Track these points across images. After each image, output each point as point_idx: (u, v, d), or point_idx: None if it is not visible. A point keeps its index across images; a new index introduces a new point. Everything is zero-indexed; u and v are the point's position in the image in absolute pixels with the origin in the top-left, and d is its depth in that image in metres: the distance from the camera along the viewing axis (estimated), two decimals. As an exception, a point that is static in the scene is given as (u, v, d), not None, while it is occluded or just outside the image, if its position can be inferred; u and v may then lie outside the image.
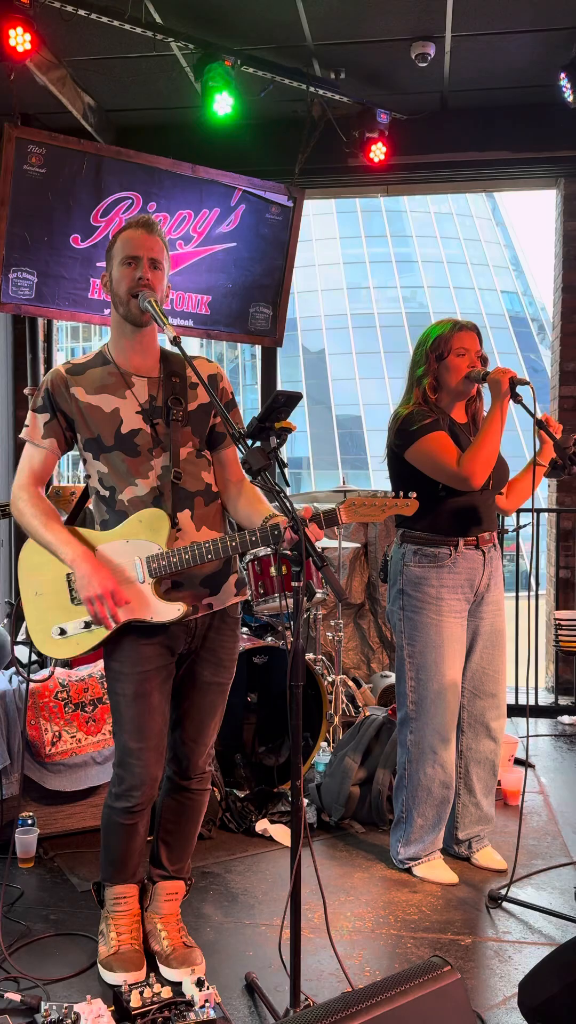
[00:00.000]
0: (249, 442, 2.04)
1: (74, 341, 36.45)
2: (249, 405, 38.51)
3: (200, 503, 2.29)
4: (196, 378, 2.33)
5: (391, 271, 40.11)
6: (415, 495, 2.22)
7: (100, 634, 2.22)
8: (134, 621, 2.20)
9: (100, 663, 3.31)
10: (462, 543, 2.81)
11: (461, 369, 2.79)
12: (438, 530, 2.82)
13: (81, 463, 2.33)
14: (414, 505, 2.21)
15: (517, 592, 4.86)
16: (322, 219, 39.25)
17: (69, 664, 3.55)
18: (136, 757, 2.26)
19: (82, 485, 2.83)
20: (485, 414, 2.81)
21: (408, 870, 2.91)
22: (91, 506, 2.35)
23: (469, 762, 2.98)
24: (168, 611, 2.20)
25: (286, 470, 2.10)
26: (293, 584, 1.96)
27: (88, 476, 2.31)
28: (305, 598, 3.32)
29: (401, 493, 2.22)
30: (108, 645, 2.28)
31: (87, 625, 2.22)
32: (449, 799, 2.89)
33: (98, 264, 4.33)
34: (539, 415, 2.71)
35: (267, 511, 2.24)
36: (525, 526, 4.88)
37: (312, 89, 4.45)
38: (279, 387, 5.46)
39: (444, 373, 2.81)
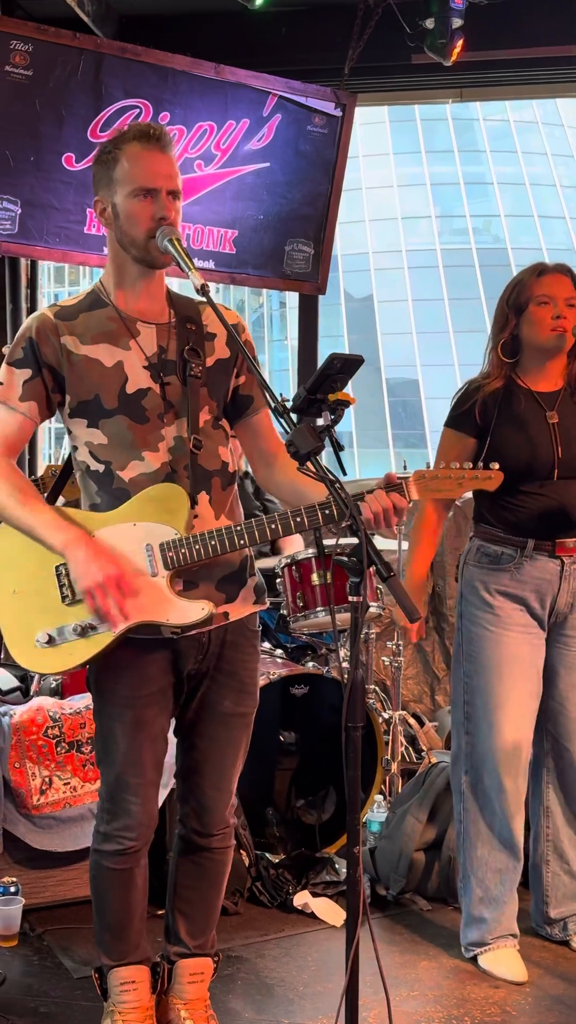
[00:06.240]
0: (295, 419, 2.05)
1: (58, 285, 36.63)
2: (277, 366, 38.53)
3: (217, 485, 2.31)
4: (214, 326, 2.34)
5: (459, 196, 39.80)
6: (497, 466, 2.22)
7: (100, 641, 2.20)
8: (144, 624, 2.19)
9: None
10: (531, 546, 2.82)
11: (544, 321, 2.80)
12: (507, 526, 2.84)
13: (65, 433, 2.32)
14: (498, 478, 2.22)
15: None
16: (371, 130, 38.98)
17: (60, 692, 3.58)
18: (134, 793, 2.30)
19: (59, 464, 2.83)
20: None
21: (474, 959, 2.91)
22: (79, 484, 2.34)
23: (559, 823, 2.98)
24: (190, 611, 2.19)
25: (342, 453, 2.10)
26: (351, 599, 1.95)
27: (75, 448, 2.31)
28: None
29: (481, 464, 2.22)
30: (99, 659, 2.28)
31: (83, 631, 2.21)
32: (513, 866, 2.90)
33: (97, 190, 4.35)
34: None
35: (323, 493, 2.19)
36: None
37: (367, -34, 4.42)
38: (319, 343, 5.45)
39: (525, 328, 2.84)
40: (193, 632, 2.25)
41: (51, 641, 2.24)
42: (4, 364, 2.29)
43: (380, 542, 4.25)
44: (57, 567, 2.24)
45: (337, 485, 2.01)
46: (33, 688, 3.26)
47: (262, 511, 3.91)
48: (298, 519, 2.15)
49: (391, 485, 2.15)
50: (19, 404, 2.26)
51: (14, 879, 3.01)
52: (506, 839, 2.88)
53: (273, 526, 2.15)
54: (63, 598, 2.23)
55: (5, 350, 3.93)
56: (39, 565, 2.26)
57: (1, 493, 2.22)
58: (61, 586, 2.24)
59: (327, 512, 2.13)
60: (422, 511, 2.95)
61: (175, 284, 2.47)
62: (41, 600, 2.26)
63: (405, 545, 4.22)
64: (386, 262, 38.79)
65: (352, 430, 36.74)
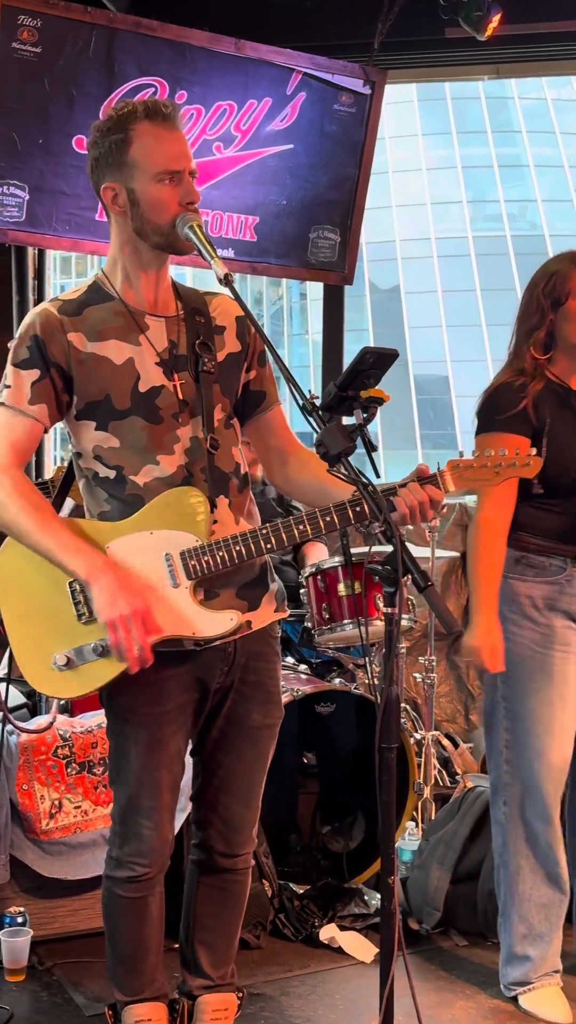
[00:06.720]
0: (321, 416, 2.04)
1: (64, 276, 36.79)
2: (297, 361, 38.53)
3: (234, 488, 2.31)
4: (222, 319, 2.35)
5: (492, 179, 39.75)
6: (535, 451, 2.22)
7: (121, 663, 2.19)
8: (168, 639, 2.19)
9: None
10: None
11: None
12: (553, 534, 2.81)
13: (68, 436, 2.32)
14: (537, 464, 2.21)
15: None
16: (399, 110, 38.99)
17: (70, 710, 3.59)
18: (147, 817, 2.30)
19: (62, 465, 2.83)
20: None
21: (515, 999, 2.89)
22: (81, 493, 2.34)
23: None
24: (218, 623, 2.20)
25: (375, 455, 2.09)
26: (385, 610, 1.95)
27: (78, 455, 2.30)
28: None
29: (517, 450, 2.21)
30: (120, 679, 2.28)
31: (104, 650, 2.18)
32: (559, 900, 2.88)
33: (109, 175, 4.36)
34: None
35: (349, 489, 2.17)
36: None
37: None
38: (345, 336, 5.45)
39: (562, 324, 2.82)
40: (217, 643, 2.25)
41: (69, 663, 2.21)
42: (8, 366, 2.27)
43: (412, 549, 4.24)
44: (71, 583, 2.22)
45: (370, 488, 2.01)
46: (53, 713, 3.26)
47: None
48: (328, 518, 2.14)
49: (425, 477, 2.15)
50: (28, 408, 2.24)
51: (21, 909, 3.01)
52: (551, 872, 2.86)
53: (301, 527, 2.14)
54: (79, 616, 2.21)
55: (10, 345, 3.94)
56: (51, 581, 2.24)
57: (14, 511, 2.19)
58: (76, 603, 2.21)
59: (358, 509, 2.13)
60: (482, 518, 2.80)
61: (188, 278, 2.46)
62: (55, 620, 2.24)
63: (439, 552, 4.20)
64: (414, 250, 38.75)
65: (378, 430, 36.70)
